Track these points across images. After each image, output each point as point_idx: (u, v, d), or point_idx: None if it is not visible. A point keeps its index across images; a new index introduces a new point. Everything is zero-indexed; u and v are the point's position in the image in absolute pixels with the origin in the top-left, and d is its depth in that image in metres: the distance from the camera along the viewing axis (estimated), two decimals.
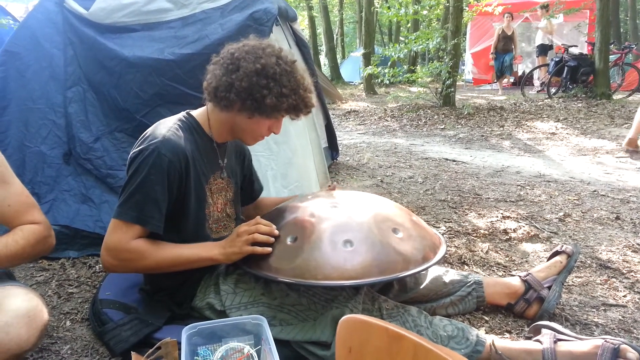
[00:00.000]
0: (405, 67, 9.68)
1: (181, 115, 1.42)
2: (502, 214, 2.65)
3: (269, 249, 1.29)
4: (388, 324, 0.82)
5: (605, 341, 1.23)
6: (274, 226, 1.32)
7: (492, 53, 9.31)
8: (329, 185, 1.72)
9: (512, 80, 10.47)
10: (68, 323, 1.58)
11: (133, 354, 1.19)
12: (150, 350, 1.18)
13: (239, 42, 1.37)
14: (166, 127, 1.33)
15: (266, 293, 1.38)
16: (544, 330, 1.36)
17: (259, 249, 1.29)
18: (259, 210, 1.79)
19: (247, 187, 1.72)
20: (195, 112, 1.45)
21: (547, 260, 1.67)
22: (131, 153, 1.33)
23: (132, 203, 1.27)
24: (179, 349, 1.17)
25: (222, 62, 1.32)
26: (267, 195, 2.26)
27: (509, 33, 9.03)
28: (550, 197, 3.01)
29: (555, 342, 1.28)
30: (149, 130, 1.35)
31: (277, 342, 1.23)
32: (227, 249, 1.32)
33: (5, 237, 1.23)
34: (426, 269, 1.32)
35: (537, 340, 1.32)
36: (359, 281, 1.23)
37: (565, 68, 7.74)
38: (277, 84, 1.29)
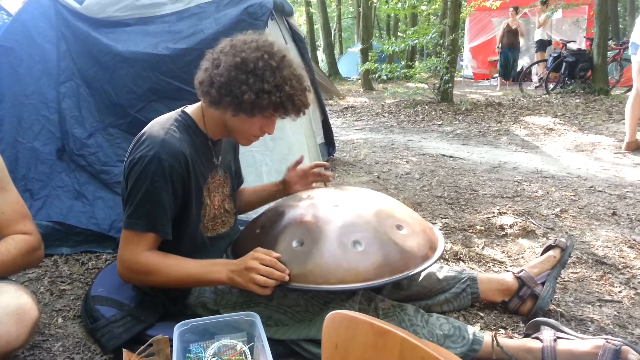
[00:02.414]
0: (403, 62, 9.65)
1: (176, 113, 1.38)
2: (498, 209, 2.64)
3: (269, 292, 1.23)
4: (374, 320, 0.81)
5: (607, 342, 1.22)
6: (287, 271, 1.23)
7: (497, 47, 9.27)
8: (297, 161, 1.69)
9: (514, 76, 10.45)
10: (60, 320, 1.57)
11: (124, 351, 1.18)
12: (142, 348, 1.17)
13: (233, 36, 1.32)
14: (163, 128, 1.30)
15: None
16: (543, 328, 1.34)
17: (267, 292, 1.22)
18: (239, 199, 1.77)
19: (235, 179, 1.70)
20: (190, 109, 1.41)
21: (541, 254, 1.65)
22: (129, 157, 1.30)
23: (141, 212, 1.25)
24: (171, 346, 1.16)
25: (210, 57, 1.28)
26: None
27: (514, 27, 8.97)
28: (547, 193, 3.00)
29: (555, 340, 1.27)
30: (145, 132, 1.32)
31: (271, 339, 1.22)
32: (235, 277, 1.24)
33: None
34: (435, 262, 1.32)
35: (536, 338, 1.31)
36: (375, 282, 1.22)
37: (564, 64, 7.73)
38: (257, 80, 1.21)
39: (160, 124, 1.33)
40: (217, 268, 1.28)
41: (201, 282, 1.34)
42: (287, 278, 1.22)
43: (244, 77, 1.21)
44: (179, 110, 1.41)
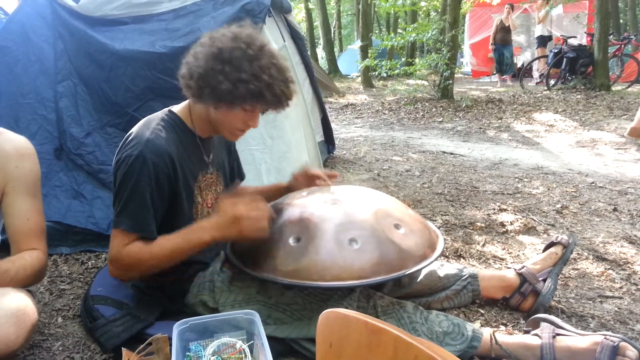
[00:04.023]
0: (403, 59, 9.63)
1: (163, 113, 1.38)
2: (499, 206, 2.64)
3: (265, 233, 1.24)
4: (368, 318, 0.81)
5: (605, 338, 1.21)
6: (272, 210, 1.28)
7: (491, 44, 9.27)
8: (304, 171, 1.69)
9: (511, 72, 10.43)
10: (60, 319, 1.56)
11: (124, 350, 1.18)
12: (141, 346, 1.17)
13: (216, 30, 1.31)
14: (149, 128, 1.29)
15: (262, 291, 1.36)
16: (542, 324, 1.34)
17: (264, 232, 1.24)
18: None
19: (232, 175, 1.68)
20: (177, 109, 1.40)
21: (543, 251, 1.65)
22: (116, 156, 1.30)
23: (128, 212, 1.25)
24: (171, 345, 1.16)
25: (192, 51, 1.28)
26: None
27: (507, 24, 8.98)
28: (548, 189, 2.99)
29: (553, 336, 1.26)
30: (132, 132, 1.32)
31: (270, 337, 1.22)
32: (225, 231, 1.25)
33: (16, 263, 1.23)
34: (432, 262, 1.32)
35: (536, 335, 1.30)
36: (370, 280, 1.21)
37: (564, 59, 7.70)
38: (233, 69, 1.20)
39: (146, 123, 1.33)
40: (201, 232, 1.26)
41: (192, 250, 1.28)
42: (273, 215, 1.28)
43: (220, 67, 1.21)
44: (165, 110, 1.40)
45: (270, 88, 1.23)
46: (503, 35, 9.01)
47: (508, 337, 1.31)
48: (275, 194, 1.73)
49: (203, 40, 1.28)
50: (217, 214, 1.27)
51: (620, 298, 1.66)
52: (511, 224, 2.36)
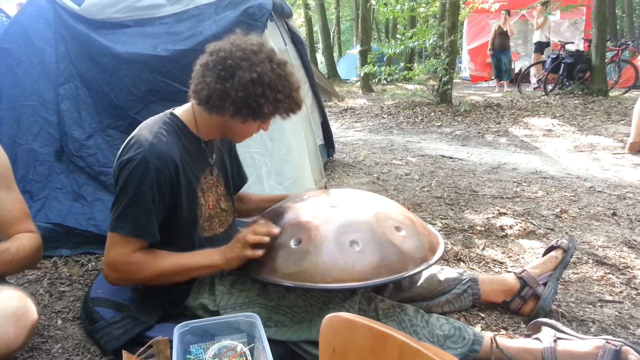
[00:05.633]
0: (402, 64, 9.66)
1: (165, 116, 1.38)
2: (498, 210, 2.64)
3: (260, 252, 1.26)
4: (373, 323, 0.80)
5: (607, 342, 1.21)
6: (273, 225, 1.29)
7: (489, 50, 9.31)
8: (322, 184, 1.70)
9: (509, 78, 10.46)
10: (59, 322, 1.56)
11: (124, 353, 1.17)
12: (142, 349, 1.16)
13: (225, 39, 1.31)
14: (151, 131, 1.29)
15: (262, 294, 1.36)
16: (543, 328, 1.34)
17: (258, 252, 1.26)
18: (243, 205, 1.76)
19: (233, 177, 1.68)
20: (179, 111, 1.40)
21: (543, 255, 1.65)
22: (118, 159, 1.29)
23: (128, 216, 1.25)
24: (171, 348, 1.16)
25: (213, 67, 1.26)
26: (261, 192, 2.25)
27: (505, 29, 9.03)
28: (547, 193, 3.00)
29: (555, 340, 1.26)
30: (134, 135, 1.31)
31: (271, 340, 1.22)
32: (227, 254, 1.29)
33: (14, 242, 1.23)
34: (433, 264, 1.32)
35: (537, 339, 1.30)
36: (372, 282, 1.22)
37: (562, 65, 7.74)
38: (272, 91, 1.26)
39: (149, 127, 1.32)
40: (208, 254, 1.31)
41: (193, 271, 1.33)
42: (274, 231, 1.28)
43: (261, 91, 1.25)
44: (167, 112, 1.40)
45: (297, 102, 1.34)
46: (501, 41, 9.05)
47: (509, 341, 1.31)
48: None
49: (227, 57, 1.26)
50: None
51: (621, 302, 1.66)
52: (510, 227, 2.36)
